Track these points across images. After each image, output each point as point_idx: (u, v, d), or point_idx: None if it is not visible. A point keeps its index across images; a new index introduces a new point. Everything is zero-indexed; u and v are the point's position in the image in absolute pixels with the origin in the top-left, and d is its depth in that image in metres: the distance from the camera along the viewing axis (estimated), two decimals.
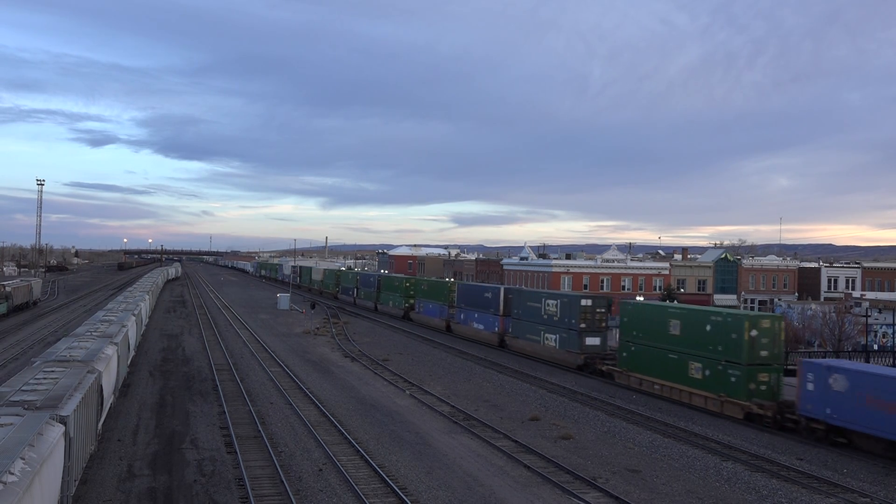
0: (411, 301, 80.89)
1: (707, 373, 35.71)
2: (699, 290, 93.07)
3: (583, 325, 46.83)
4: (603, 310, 47.49)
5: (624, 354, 42.36)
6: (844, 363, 32.46)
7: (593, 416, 33.31)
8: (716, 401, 34.90)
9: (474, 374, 44.05)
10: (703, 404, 35.69)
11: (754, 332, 33.94)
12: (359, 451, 25.58)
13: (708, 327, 36.17)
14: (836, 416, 28.87)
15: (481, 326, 61.42)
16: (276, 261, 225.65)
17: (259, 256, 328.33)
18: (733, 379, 34.05)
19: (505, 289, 60.51)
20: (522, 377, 43.59)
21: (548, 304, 50.80)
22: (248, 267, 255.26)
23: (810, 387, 30.12)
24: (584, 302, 47.64)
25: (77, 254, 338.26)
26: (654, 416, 33.55)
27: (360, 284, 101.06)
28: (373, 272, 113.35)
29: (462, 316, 65.61)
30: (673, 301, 72.28)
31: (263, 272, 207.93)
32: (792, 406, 31.82)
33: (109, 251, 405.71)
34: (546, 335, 50.66)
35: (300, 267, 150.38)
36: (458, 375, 43.61)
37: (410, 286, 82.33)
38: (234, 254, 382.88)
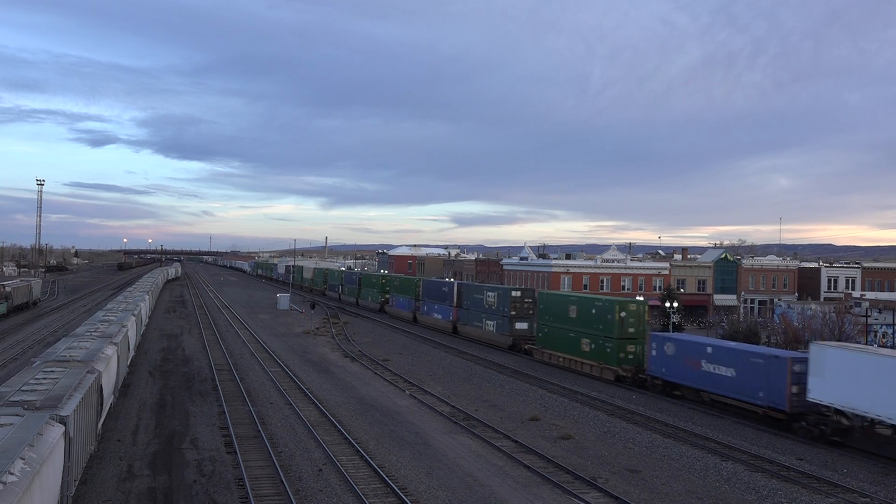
0: (386, 296, 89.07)
1: (593, 346, 45.02)
2: (699, 290, 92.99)
3: (513, 313, 56.11)
4: (530, 300, 56.04)
5: (539, 335, 51.53)
6: (674, 335, 42.37)
7: (593, 416, 33.32)
8: (597, 367, 44.30)
9: (474, 374, 44.06)
10: (590, 371, 44.95)
11: (624, 314, 43.23)
12: (359, 451, 25.59)
13: (593, 311, 45.34)
14: (669, 374, 38.99)
15: (440, 316, 70.44)
16: (275, 261, 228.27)
17: (259, 256, 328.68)
18: (608, 350, 43.50)
19: (458, 283, 69.15)
20: (521, 377, 43.62)
21: (488, 296, 60.05)
22: (246, 266, 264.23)
23: (654, 353, 40.18)
24: (514, 294, 56.92)
25: (77, 254, 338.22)
26: (654, 416, 33.60)
27: (343, 282, 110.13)
28: (354, 271, 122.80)
29: (426, 308, 74.59)
30: (673, 301, 72.36)
31: (260, 271, 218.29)
32: (645, 369, 41.45)
33: (109, 251, 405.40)
34: (487, 321, 59.96)
35: (293, 266, 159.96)
36: (457, 375, 43.61)
37: (385, 283, 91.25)
38: (234, 254, 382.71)
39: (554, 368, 47.66)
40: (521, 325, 55.90)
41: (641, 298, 50.72)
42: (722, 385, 35.22)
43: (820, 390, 30.34)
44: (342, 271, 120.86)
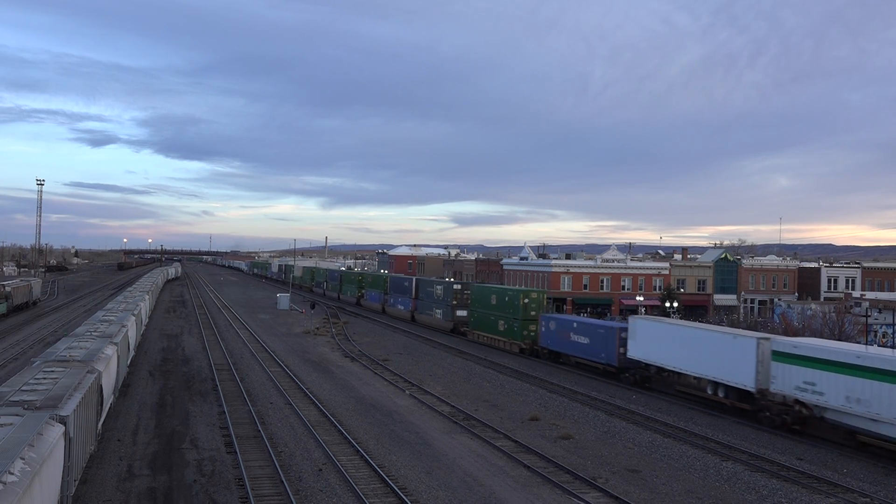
0: (362, 291, 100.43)
1: (505, 326, 55.93)
2: (699, 290, 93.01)
3: (455, 302, 66.65)
4: (469, 292, 65.83)
5: (472, 320, 63.06)
6: (556, 315, 54.22)
7: (593, 415, 33.31)
8: (508, 343, 55.49)
9: (473, 374, 44.08)
10: (503, 346, 56.12)
11: (527, 300, 53.91)
12: (359, 451, 25.59)
13: (506, 298, 56.24)
14: (553, 345, 49.90)
15: (402, 307, 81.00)
16: (274, 260, 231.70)
17: (259, 256, 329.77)
18: (515, 328, 54.49)
19: (416, 279, 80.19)
20: (521, 377, 43.65)
21: (437, 289, 71.36)
22: (244, 266, 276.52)
23: (543, 329, 51.17)
24: (455, 286, 68.14)
25: (77, 254, 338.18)
26: (654, 416, 33.60)
27: (327, 279, 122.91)
28: (336, 270, 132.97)
29: (391, 300, 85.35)
30: (673, 302, 72.45)
31: (256, 270, 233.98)
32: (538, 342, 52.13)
33: (109, 251, 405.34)
34: (435, 310, 70.86)
35: (284, 265, 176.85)
36: (457, 375, 43.62)
37: (361, 280, 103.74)
38: (234, 254, 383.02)
39: (480, 345, 58.96)
40: (462, 313, 65.75)
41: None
42: (582, 350, 46.35)
43: (634, 350, 41.47)
44: (327, 270, 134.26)
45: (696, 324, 44.11)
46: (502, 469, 24.28)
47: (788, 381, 31.23)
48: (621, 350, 42.45)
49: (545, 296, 56.65)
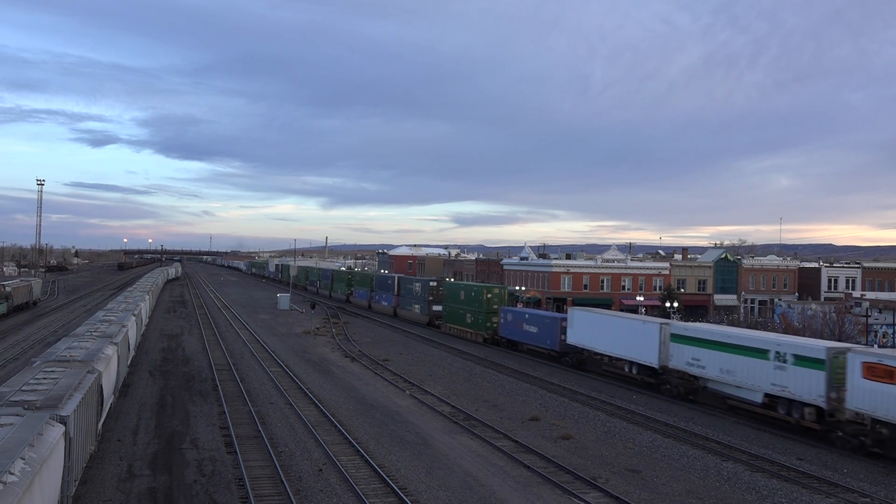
0: (351, 289, 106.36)
1: (472, 319, 61.99)
2: (699, 290, 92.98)
3: (431, 298, 72.35)
4: (442, 289, 70.95)
5: (444, 314, 68.88)
6: (512, 308, 60.25)
7: (593, 416, 33.31)
8: (474, 334, 61.29)
9: (474, 375, 44.07)
10: (469, 337, 62.04)
11: (490, 295, 60.05)
12: (359, 451, 25.58)
13: (473, 294, 62.38)
14: (509, 335, 56.17)
15: (386, 304, 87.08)
16: (275, 260, 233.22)
17: (259, 256, 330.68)
18: (480, 320, 60.44)
19: (398, 277, 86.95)
20: (521, 377, 43.64)
21: (416, 286, 77.79)
22: (242, 266, 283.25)
23: (502, 321, 57.34)
24: (432, 283, 74.26)
25: (77, 254, 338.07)
26: (654, 416, 33.62)
27: (320, 278, 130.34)
28: (328, 269, 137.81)
29: (377, 297, 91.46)
30: (673, 302, 72.49)
31: (254, 270, 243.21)
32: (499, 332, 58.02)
33: (109, 251, 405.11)
34: (414, 305, 77.04)
35: (281, 265, 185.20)
36: (457, 375, 43.62)
37: (350, 278, 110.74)
38: (235, 254, 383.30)
39: (451, 336, 64.77)
40: (437, 308, 70.97)
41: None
42: (533, 338, 52.44)
43: (572, 337, 47.43)
44: (320, 270, 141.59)
45: (617, 313, 51.92)
46: (502, 469, 24.28)
47: (682, 358, 37.68)
48: (562, 337, 48.51)
49: (506, 291, 63.12)
